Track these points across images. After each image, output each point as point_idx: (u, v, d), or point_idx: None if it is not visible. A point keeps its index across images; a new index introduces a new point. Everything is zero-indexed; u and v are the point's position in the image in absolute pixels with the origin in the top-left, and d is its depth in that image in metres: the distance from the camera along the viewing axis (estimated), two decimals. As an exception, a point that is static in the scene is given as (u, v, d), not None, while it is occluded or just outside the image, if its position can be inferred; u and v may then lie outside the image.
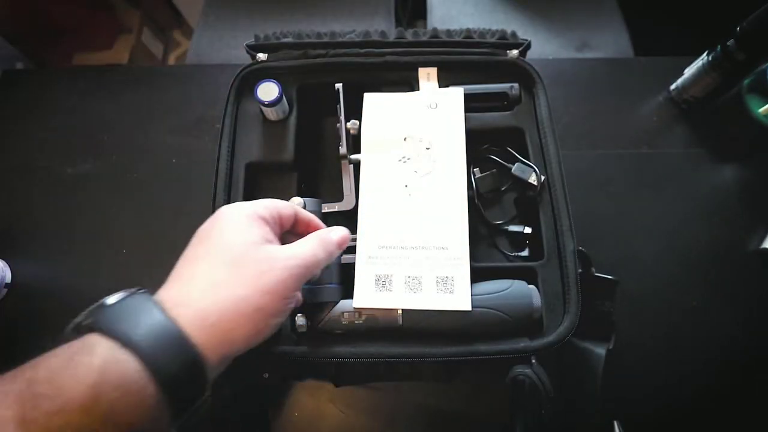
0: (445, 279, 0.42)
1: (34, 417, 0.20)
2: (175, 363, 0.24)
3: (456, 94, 0.48)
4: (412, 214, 0.44)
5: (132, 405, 0.22)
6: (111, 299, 0.26)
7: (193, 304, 0.27)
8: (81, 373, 0.22)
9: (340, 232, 0.36)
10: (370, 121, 0.48)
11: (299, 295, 0.34)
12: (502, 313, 0.40)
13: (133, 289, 0.27)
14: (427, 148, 0.47)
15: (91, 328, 0.24)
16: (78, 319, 0.26)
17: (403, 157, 0.46)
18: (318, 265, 0.33)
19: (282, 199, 0.42)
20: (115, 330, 0.24)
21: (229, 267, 0.29)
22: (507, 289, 0.41)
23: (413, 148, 0.47)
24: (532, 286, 0.41)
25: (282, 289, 0.29)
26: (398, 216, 0.44)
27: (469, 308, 0.40)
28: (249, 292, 0.28)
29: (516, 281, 0.42)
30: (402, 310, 0.40)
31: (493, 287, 0.41)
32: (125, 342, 0.23)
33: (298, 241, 0.33)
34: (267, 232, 0.32)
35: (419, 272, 0.42)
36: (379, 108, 0.48)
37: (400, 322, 0.40)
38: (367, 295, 0.41)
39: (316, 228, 0.37)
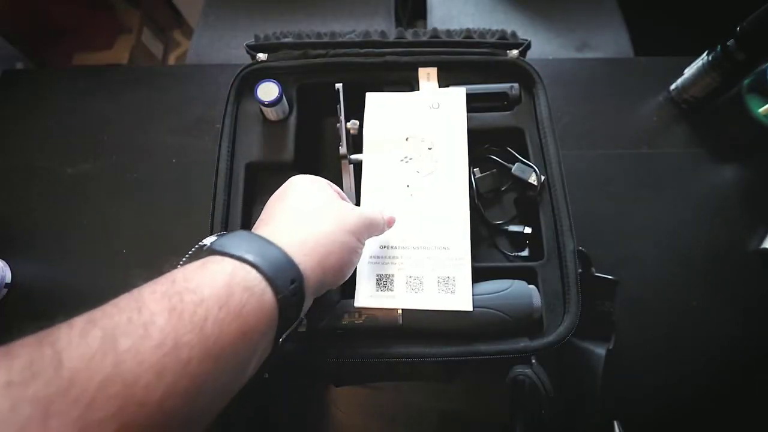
0: (447, 279, 0.42)
1: (181, 308, 0.22)
2: (285, 278, 0.27)
3: (458, 94, 0.48)
4: (413, 214, 0.44)
5: (256, 308, 0.25)
6: (210, 239, 0.31)
7: (290, 235, 0.30)
8: (215, 275, 0.25)
9: (388, 213, 0.40)
10: (372, 121, 0.48)
11: (363, 245, 0.37)
12: (502, 313, 0.40)
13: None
14: (429, 148, 0.47)
15: (210, 252, 0.27)
16: (190, 253, 0.30)
17: (405, 157, 0.46)
18: (377, 226, 0.37)
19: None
20: (231, 252, 0.26)
21: (313, 212, 0.33)
22: (507, 289, 0.41)
23: (415, 148, 0.47)
24: (532, 286, 0.41)
25: (358, 231, 0.34)
26: (400, 216, 0.44)
27: (470, 308, 0.40)
28: (335, 229, 0.32)
29: (516, 281, 0.42)
30: (402, 310, 0.40)
31: (493, 287, 0.41)
32: (243, 259, 0.26)
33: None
34: (340, 194, 0.37)
35: (421, 272, 0.42)
36: (381, 107, 0.49)
37: (400, 321, 0.40)
38: (368, 296, 0.41)
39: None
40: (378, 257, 0.43)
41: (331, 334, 0.41)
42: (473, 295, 0.40)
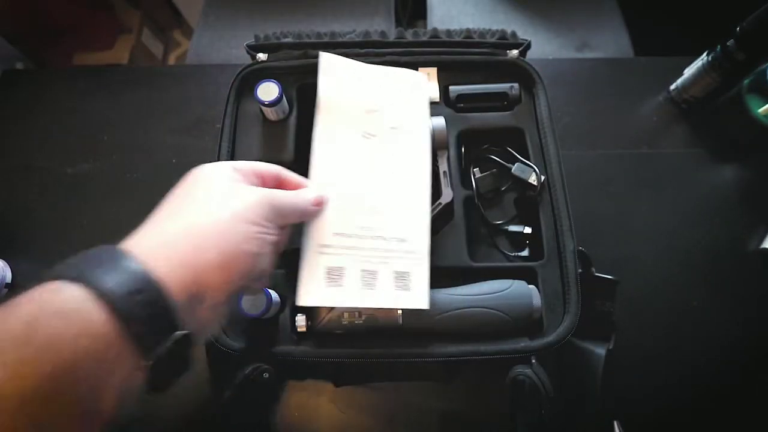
0: (403, 274, 0.38)
1: None
2: (121, 291, 0.22)
3: (421, 78, 0.44)
4: (372, 198, 0.39)
5: (75, 332, 0.20)
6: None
7: (155, 236, 0.26)
8: (21, 307, 0.20)
9: (318, 192, 0.36)
10: (328, 84, 0.41)
11: (279, 232, 0.31)
12: (502, 313, 0.40)
13: None
14: (393, 128, 0.41)
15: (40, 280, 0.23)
16: None
17: (366, 133, 0.41)
18: (293, 208, 0.32)
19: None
20: (59, 269, 0.23)
21: (195, 203, 0.28)
22: (507, 289, 0.41)
23: (378, 125, 0.41)
24: (532, 286, 0.41)
25: (258, 215, 0.28)
26: (357, 199, 0.38)
27: (426, 307, 0.37)
28: (216, 218, 0.27)
29: (516, 281, 0.42)
30: (402, 310, 0.40)
31: (493, 287, 0.41)
32: (68, 274, 0.22)
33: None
34: (239, 178, 0.31)
35: (375, 266, 0.37)
36: (341, 71, 0.43)
37: (400, 322, 0.40)
38: (315, 292, 0.36)
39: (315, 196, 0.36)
40: (328, 246, 0.37)
41: (331, 334, 0.41)
42: (474, 295, 0.40)
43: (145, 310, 0.22)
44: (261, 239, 0.29)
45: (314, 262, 0.36)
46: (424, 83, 0.44)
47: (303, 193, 0.35)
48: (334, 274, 0.37)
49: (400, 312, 0.40)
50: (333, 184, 0.38)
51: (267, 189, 0.31)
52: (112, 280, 0.22)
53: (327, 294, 0.36)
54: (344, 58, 0.44)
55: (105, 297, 0.21)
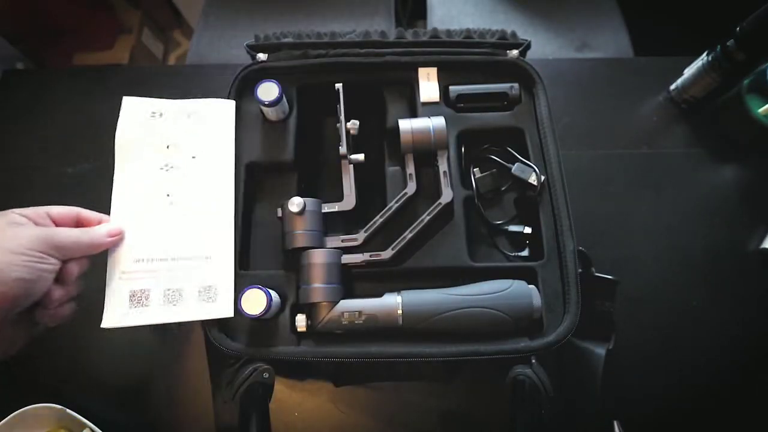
0: (208, 288, 0.41)
1: None
2: None
3: (226, 106, 0.48)
4: (174, 224, 0.43)
5: None
6: None
7: None
8: None
9: (112, 226, 0.40)
10: (127, 126, 0.46)
11: (54, 260, 0.35)
12: (502, 313, 0.40)
13: None
14: (193, 157, 0.46)
15: None
16: None
17: (166, 165, 0.45)
18: (68, 240, 0.36)
19: (282, 199, 0.43)
20: None
21: None
22: (507, 289, 0.41)
23: (177, 156, 0.45)
24: (532, 286, 0.41)
25: (18, 248, 0.32)
26: (158, 226, 0.43)
27: (231, 315, 0.41)
28: None
29: (516, 281, 0.42)
30: (402, 310, 0.40)
31: (493, 287, 0.41)
32: None
33: None
34: (23, 222, 0.34)
35: (180, 284, 0.41)
36: (140, 113, 0.47)
37: (400, 322, 0.40)
38: (119, 315, 0.40)
39: (109, 228, 0.41)
40: (130, 272, 0.41)
41: (330, 334, 0.41)
42: (473, 295, 0.40)
43: None
44: (31, 266, 0.32)
45: (116, 288, 0.41)
46: (230, 110, 0.48)
47: (93, 229, 0.39)
48: (137, 296, 0.40)
49: (400, 312, 0.40)
50: (132, 216, 0.43)
51: (47, 228, 0.36)
52: None
53: (131, 315, 0.40)
54: (147, 99, 0.48)
55: None
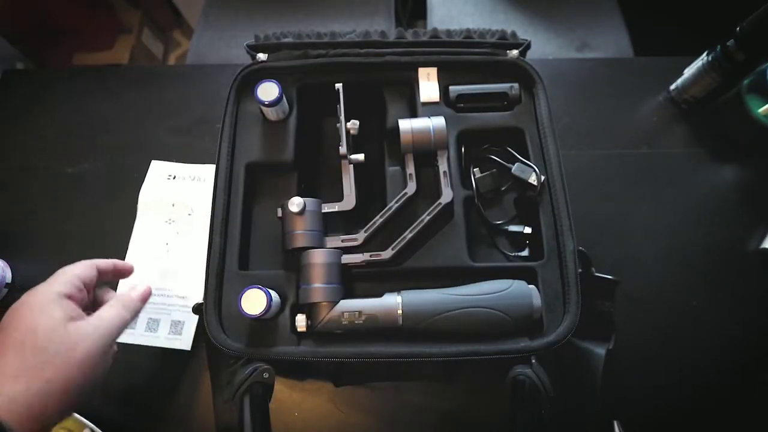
0: (177, 323, 0.53)
1: None
2: None
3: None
4: (166, 267, 0.56)
5: None
6: None
7: (4, 392, 0.29)
8: None
9: (141, 289, 0.41)
10: (150, 186, 0.60)
11: (115, 348, 0.38)
12: (502, 313, 0.40)
13: None
14: (189, 214, 0.58)
15: None
16: None
17: (169, 219, 0.58)
18: (125, 324, 0.37)
19: (282, 199, 0.43)
20: None
21: (37, 353, 0.31)
22: (507, 288, 0.41)
23: (178, 212, 0.58)
24: (532, 286, 0.41)
25: (91, 360, 0.33)
26: (156, 268, 0.55)
27: (189, 349, 0.52)
28: (57, 374, 0.31)
29: (516, 281, 0.42)
30: (402, 310, 0.40)
31: (493, 287, 0.41)
32: None
33: (103, 307, 0.37)
34: (71, 309, 0.35)
35: (160, 316, 0.54)
36: (161, 175, 0.60)
37: (400, 322, 0.40)
38: None
39: (122, 269, 0.44)
40: None
41: (330, 334, 0.41)
42: (472, 295, 0.40)
43: None
44: (107, 364, 0.35)
45: None
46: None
47: (128, 299, 0.40)
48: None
49: (400, 312, 0.40)
50: (140, 258, 0.56)
51: (104, 324, 0.36)
52: None
53: (123, 334, 0.46)
54: (168, 163, 0.61)
55: None
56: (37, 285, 0.36)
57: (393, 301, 0.40)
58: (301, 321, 0.40)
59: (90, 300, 0.39)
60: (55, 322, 0.33)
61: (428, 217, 0.43)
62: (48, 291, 0.35)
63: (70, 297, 0.35)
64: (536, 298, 0.41)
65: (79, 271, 0.38)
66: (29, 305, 0.34)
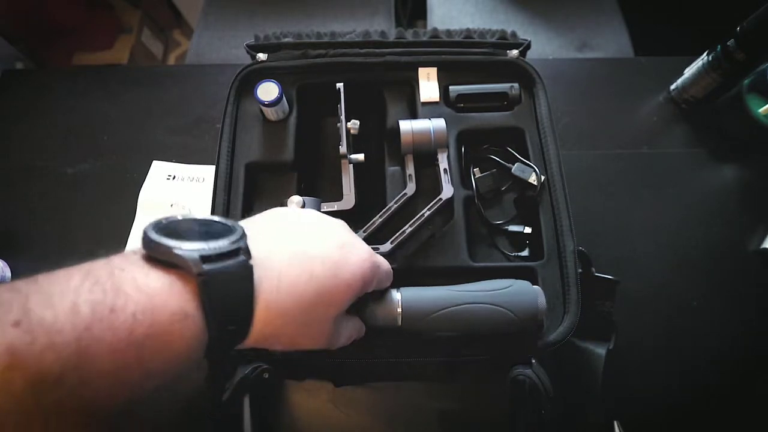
0: None
1: (110, 312, 0.20)
2: (230, 316, 0.24)
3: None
4: None
5: (184, 336, 0.22)
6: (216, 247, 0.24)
7: (276, 275, 0.26)
8: (159, 283, 0.22)
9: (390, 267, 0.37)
10: (150, 185, 0.60)
11: (358, 323, 0.35)
12: (507, 310, 0.38)
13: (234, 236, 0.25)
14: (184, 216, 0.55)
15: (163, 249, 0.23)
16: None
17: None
18: (377, 276, 0.33)
19: (282, 199, 0.43)
20: (188, 258, 0.23)
21: (337, 247, 0.29)
22: (511, 286, 0.39)
23: (175, 213, 0.53)
24: (536, 287, 0.40)
25: (364, 276, 0.30)
26: None
27: None
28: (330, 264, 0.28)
29: (519, 281, 0.41)
30: (401, 309, 0.39)
31: (496, 284, 0.40)
32: (201, 273, 0.23)
33: None
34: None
35: None
36: (161, 175, 0.60)
37: (399, 321, 0.39)
38: None
39: None
40: None
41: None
42: (476, 291, 0.38)
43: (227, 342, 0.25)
44: (376, 259, 0.32)
45: None
46: None
47: (386, 267, 0.35)
48: None
49: (399, 311, 0.39)
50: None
51: (375, 255, 0.33)
52: (224, 308, 0.23)
53: None
54: (169, 163, 0.62)
55: (213, 319, 0.23)
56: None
57: (392, 297, 0.39)
58: None
59: None
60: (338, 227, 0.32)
61: (428, 212, 0.43)
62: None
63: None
64: (541, 297, 0.39)
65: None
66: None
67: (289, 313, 0.27)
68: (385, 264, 0.34)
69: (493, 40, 0.51)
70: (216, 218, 0.27)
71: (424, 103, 0.49)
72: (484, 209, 0.48)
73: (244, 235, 0.26)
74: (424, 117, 0.48)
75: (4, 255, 0.57)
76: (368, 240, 0.44)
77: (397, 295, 0.39)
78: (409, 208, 0.45)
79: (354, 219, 0.45)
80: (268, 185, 0.48)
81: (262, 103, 0.45)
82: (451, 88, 0.50)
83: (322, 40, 0.50)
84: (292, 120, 0.49)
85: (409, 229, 0.43)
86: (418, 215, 0.43)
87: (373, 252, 0.33)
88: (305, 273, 0.27)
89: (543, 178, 0.46)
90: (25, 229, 0.59)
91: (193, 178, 0.60)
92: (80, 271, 0.21)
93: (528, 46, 0.51)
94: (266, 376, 0.39)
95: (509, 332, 0.38)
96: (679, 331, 0.54)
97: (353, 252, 0.30)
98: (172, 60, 1.47)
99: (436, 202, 0.44)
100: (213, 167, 0.46)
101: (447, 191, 0.44)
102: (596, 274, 0.47)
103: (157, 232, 0.24)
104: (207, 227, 0.26)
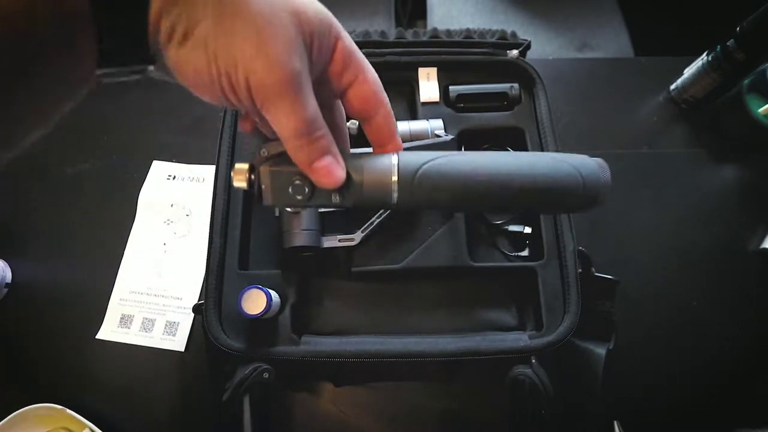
0: (172, 324, 0.53)
1: None
2: None
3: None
4: (163, 267, 0.56)
5: None
6: None
7: None
8: None
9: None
10: (150, 185, 0.60)
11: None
12: (575, 169, 0.28)
13: None
14: (187, 215, 0.58)
15: None
16: None
17: (168, 220, 0.58)
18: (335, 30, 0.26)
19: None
20: None
21: None
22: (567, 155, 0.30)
23: (176, 213, 0.58)
24: (599, 158, 0.30)
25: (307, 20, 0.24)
26: (152, 268, 0.56)
27: (183, 350, 0.52)
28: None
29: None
30: (397, 179, 0.28)
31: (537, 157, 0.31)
32: None
33: None
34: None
35: (154, 315, 0.54)
36: (161, 175, 0.60)
37: (395, 200, 0.29)
38: (110, 331, 0.53)
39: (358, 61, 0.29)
40: (125, 299, 0.54)
41: (326, 331, 0.41)
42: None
43: None
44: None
45: (114, 309, 0.54)
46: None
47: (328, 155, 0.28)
48: (125, 320, 0.54)
49: (395, 180, 0.28)
50: (138, 257, 0.56)
51: None
52: None
53: (118, 333, 0.53)
54: (169, 163, 0.61)
55: None
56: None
57: (386, 161, 0.29)
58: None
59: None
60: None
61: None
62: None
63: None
64: (605, 171, 0.29)
65: None
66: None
67: None
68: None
69: (493, 40, 0.51)
70: None
71: (424, 103, 0.49)
72: (484, 209, 0.48)
73: None
74: (424, 117, 0.48)
75: (4, 255, 0.57)
76: (366, 240, 0.44)
77: (393, 158, 0.29)
78: (409, 208, 0.45)
79: (353, 219, 0.45)
80: (268, 185, 0.48)
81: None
82: (451, 88, 0.50)
83: (322, 40, 0.50)
84: (292, 120, 0.49)
85: (378, 220, 0.43)
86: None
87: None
88: None
89: (543, 178, 0.45)
90: (25, 229, 0.59)
91: (193, 178, 0.60)
92: None
93: (528, 46, 0.51)
94: (266, 376, 0.39)
95: (569, 203, 0.30)
96: (679, 331, 0.54)
97: None
98: (172, 60, 1.47)
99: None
100: (213, 167, 0.46)
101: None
102: (596, 274, 0.47)
103: None
104: None
